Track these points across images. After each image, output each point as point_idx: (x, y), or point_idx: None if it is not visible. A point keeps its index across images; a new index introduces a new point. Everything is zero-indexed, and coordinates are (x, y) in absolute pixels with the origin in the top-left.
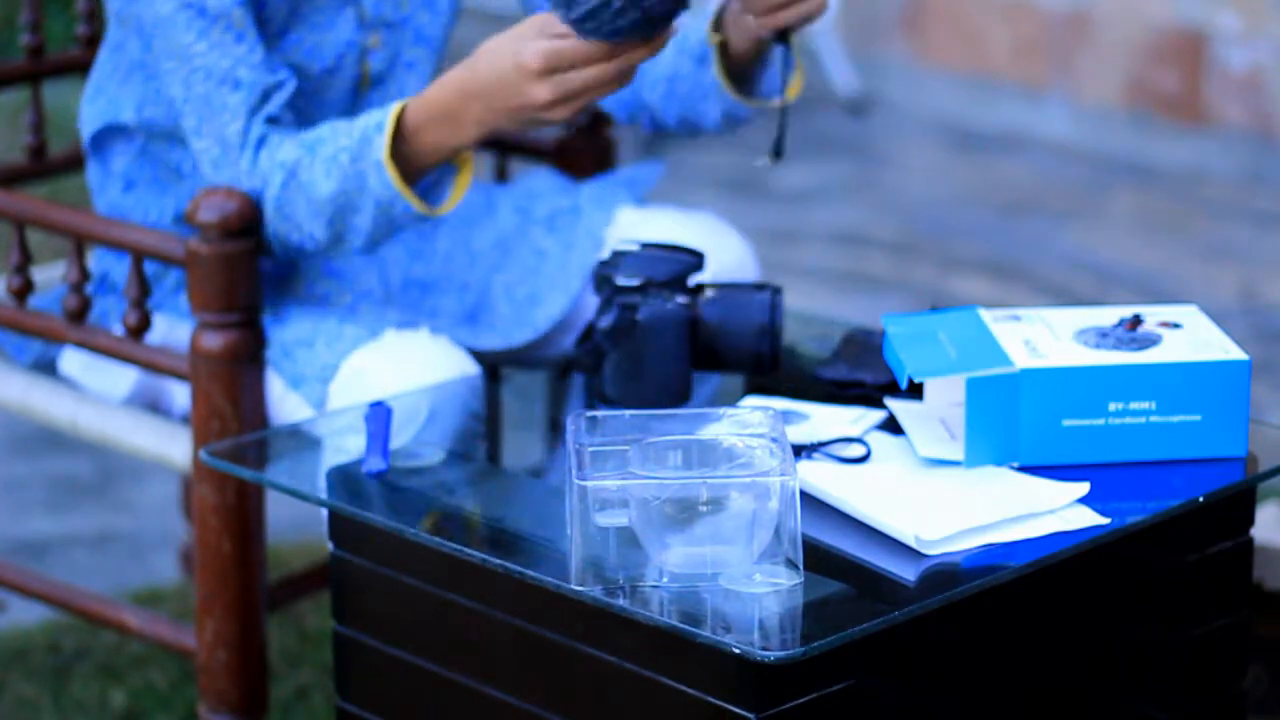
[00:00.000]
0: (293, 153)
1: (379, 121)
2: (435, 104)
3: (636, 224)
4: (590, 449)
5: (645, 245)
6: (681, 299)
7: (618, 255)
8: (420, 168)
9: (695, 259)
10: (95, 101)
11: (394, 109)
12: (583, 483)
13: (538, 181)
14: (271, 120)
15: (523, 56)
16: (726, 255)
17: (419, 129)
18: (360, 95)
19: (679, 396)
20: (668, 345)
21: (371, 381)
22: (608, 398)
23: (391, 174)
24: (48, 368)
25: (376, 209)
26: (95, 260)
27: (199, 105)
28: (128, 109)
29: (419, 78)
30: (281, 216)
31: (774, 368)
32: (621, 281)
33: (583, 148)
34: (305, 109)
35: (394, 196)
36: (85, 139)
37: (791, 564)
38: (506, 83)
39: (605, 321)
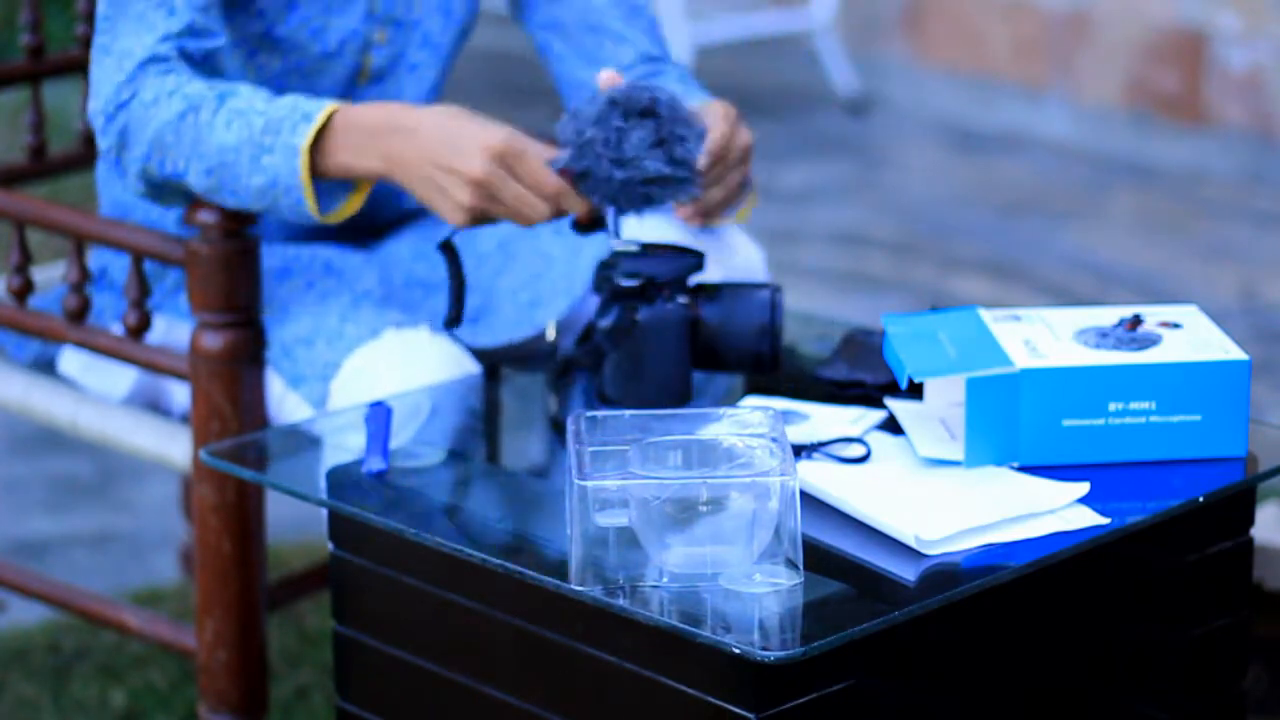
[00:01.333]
0: (200, 91)
1: (309, 111)
2: (365, 119)
3: (645, 229)
4: (590, 449)
5: (645, 245)
6: (682, 299)
7: (618, 255)
8: (320, 173)
9: (695, 259)
10: None
11: (329, 106)
12: (583, 483)
13: None
14: (185, 55)
15: (489, 131)
16: (736, 259)
17: (338, 137)
18: (357, 87)
19: (679, 397)
20: (668, 345)
21: (373, 380)
22: (608, 398)
23: (303, 164)
24: (47, 366)
25: (269, 187)
26: (93, 255)
27: (119, 17)
28: None
29: (419, 82)
30: (162, 144)
31: (774, 367)
32: (622, 282)
33: None
34: (296, 90)
35: (292, 186)
36: None
37: (791, 564)
38: (453, 140)
39: (605, 321)
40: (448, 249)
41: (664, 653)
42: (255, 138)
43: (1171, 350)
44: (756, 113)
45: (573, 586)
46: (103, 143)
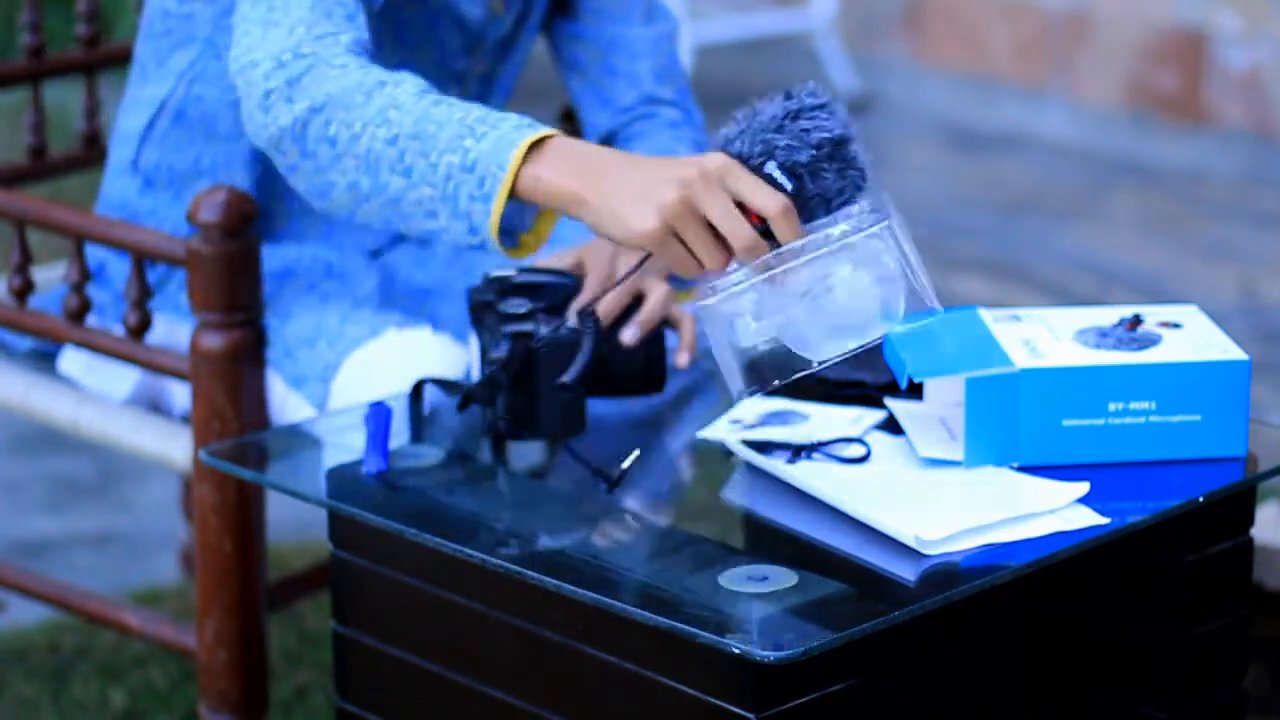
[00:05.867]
0: (399, 74)
1: (533, 122)
2: (585, 145)
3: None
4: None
5: (521, 270)
6: (571, 324)
7: (493, 281)
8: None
9: (573, 281)
10: (141, 84)
11: (553, 129)
12: (712, 300)
13: None
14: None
15: (711, 156)
16: None
17: (549, 153)
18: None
19: (577, 423)
20: (564, 372)
21: (374, 379)
22: (505, 430)
23: (516, 157)
24: (46, 358)
25: (460, 170)
26: (90, 250)
27: (291, 3)
28: (166, 83)
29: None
30: (345, 103)
31: (661, 387)
32: (508, 309)
33: None
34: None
35: (488, 176)
36: (122, 124)
37: (928, 305)
38: (672, 158)
39: (498, 351)
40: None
41: (664, 653)
42: (467, 121)
43: (1171, 350)
44: None
45: (736, 401)
46: (260, 84)
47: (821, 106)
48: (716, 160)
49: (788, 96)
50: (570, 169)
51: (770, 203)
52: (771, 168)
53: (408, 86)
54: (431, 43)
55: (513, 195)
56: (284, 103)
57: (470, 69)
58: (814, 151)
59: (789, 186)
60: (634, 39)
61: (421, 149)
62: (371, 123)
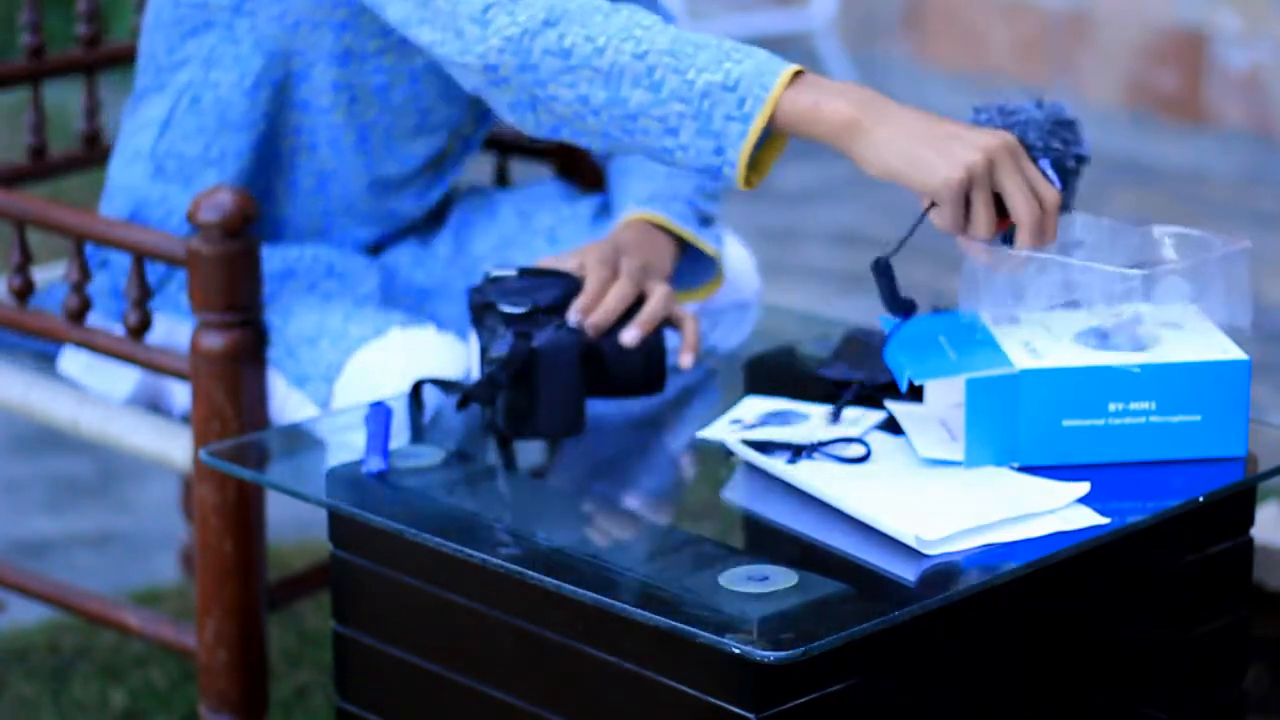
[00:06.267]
0: (644, 11)
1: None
2: (834, 80)
3: None
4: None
5: (522, 270)
6: (572, 324)
7: (494, 281)
8: (777, 109)
9: (576, 282)
10: (155, 75)
11: (800, 66)
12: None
13: (542, 187)
14: None
15: (1003, 133)
16: (727, 264)
17: (809, 80)
18: (425, 174)
19: (575, 424)
20: (564, 372)
21: (377, 379)
22: (504, 429)
23: (781, 82)
24: (47, 358)
25: (719, 88)
26: (90, 245)
27: None
28: (186, 70)
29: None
30: (584, 19)
31: (661, 387)
32: (509, 309)
33: (583, 152)
34: (379, 151)
35: (749, 96)
36: (141, 112)
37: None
38: (951, 120)
39: (498, 350)
40: (883, 269)
41: (664, 653)
42: (722, 47)
43: (1171, 350)
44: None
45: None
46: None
47: (1074, 122)
48: (1011, 138)
49: (1039, 104)
50: (845, 98)
51: (1050, 194)
52: (1045, 164)
53: (645, 12)
54: None
55: (779, 115)
56: (506, 15)
57: None
58: (1074, 162)
59: (1058, 185)
60: None
61: (676, 66)
62: (617, 37)
